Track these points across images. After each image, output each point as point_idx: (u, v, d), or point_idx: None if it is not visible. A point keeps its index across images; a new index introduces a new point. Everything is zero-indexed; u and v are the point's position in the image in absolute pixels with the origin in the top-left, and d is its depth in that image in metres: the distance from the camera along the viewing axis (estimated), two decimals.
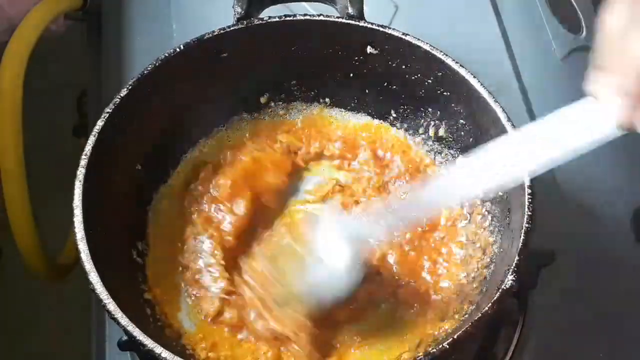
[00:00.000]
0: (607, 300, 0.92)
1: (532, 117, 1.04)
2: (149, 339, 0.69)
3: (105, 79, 1.10)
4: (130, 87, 0.84)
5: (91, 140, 0.80)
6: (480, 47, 1.08)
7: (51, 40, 1.12)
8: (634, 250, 0.96)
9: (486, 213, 0.87)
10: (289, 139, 0.96)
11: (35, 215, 1.07)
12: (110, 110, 0.82)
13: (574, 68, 1.10)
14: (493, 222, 0.86)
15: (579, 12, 1.14)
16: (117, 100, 0.82)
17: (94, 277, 0.72)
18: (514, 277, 0.71)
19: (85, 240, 0.74)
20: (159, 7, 1.15)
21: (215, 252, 0.86)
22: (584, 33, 1.13)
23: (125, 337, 0.77)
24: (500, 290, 0.71)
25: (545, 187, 0.98)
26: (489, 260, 0.83)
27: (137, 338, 0.69)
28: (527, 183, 0.75)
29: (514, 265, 0.72)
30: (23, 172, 1.04)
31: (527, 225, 0.74)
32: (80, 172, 0.77)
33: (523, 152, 0.67)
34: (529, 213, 0.74)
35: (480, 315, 0.70)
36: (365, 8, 0.90)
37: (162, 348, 0.68)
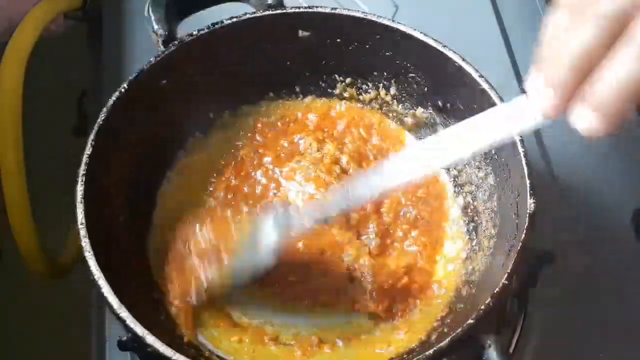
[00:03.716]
0: (607, 300, 0.92)
1: None
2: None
3: (105, 79, 1.10)
4: (96, 134, 0.82)
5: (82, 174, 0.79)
6: (480, 47, 1.08)
7: (51, 40, 1.12)
8: (634, 250, 0.96)
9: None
10: (246, 152, 0.96)
11: (35, 215, 1.07)
12: (84, 173, 0.80)
13: None
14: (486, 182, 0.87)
15: None
16: (86, 159, 0.81)
17: (116, 305, 0.72)
18: (519, 262, 0.73)
19: (100, 271, 0.73)
20: None
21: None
22: None
23: (125, 338, 0.77)
24: (517, 253, 0.72)
25: (545, 186, 0.98)
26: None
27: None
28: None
29: (525, 226, 0.73)
30: (23, 172, 1.04)
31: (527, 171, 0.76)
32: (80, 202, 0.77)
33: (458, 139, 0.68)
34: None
35: (502, 285, 0.70)
36: (365, 8, 0.90)
37: None
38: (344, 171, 0.94)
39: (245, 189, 0.93)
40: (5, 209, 1.05)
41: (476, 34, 1.10)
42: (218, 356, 0.81)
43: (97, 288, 0.72)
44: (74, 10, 1.16)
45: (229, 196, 0.92)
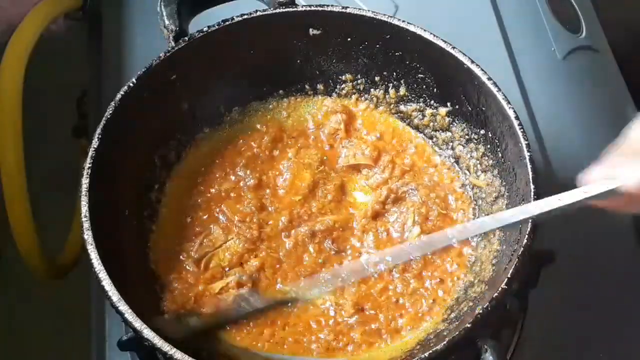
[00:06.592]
0: (607, 300, 0.92)
1: (532, 117, 1.04)
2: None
3: (105, 79, 1.10)
4: (101, 133, 0.82)
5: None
6: (480, 47, 1.07)
7: (51, 40, 1.12)
8: (634, 251, 0.96)
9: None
10: (255, 148, 0.96)
11: (35, 216, 1.07)
12: (90, 166, 0.80)
13: (574, 68, 1.10)
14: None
15: (579, 12, 1.14)
16: (92, 153, 0.81)
17: (123, 307, 0.71)
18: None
19: (105, 272, 0.73)
20: None
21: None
22: (584, 33, 1.13)
23: (125, 337, 0.77)
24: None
25: (545, 186, 0.98)
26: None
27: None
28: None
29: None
30: (23, 172, 1.05)
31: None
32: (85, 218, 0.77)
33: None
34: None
35: (501, 289, 0.71)
36: (364, 7, 0.90)
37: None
38: (356, 167, 0.95)
39: (254, 183, 0.93)
40: (5, 209, 1.06)
41: (476, 34, 1.10)
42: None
43: (97, 281, 0.72)
44: (74, 10, 1.16)
45: (236, 192, 0.92)
